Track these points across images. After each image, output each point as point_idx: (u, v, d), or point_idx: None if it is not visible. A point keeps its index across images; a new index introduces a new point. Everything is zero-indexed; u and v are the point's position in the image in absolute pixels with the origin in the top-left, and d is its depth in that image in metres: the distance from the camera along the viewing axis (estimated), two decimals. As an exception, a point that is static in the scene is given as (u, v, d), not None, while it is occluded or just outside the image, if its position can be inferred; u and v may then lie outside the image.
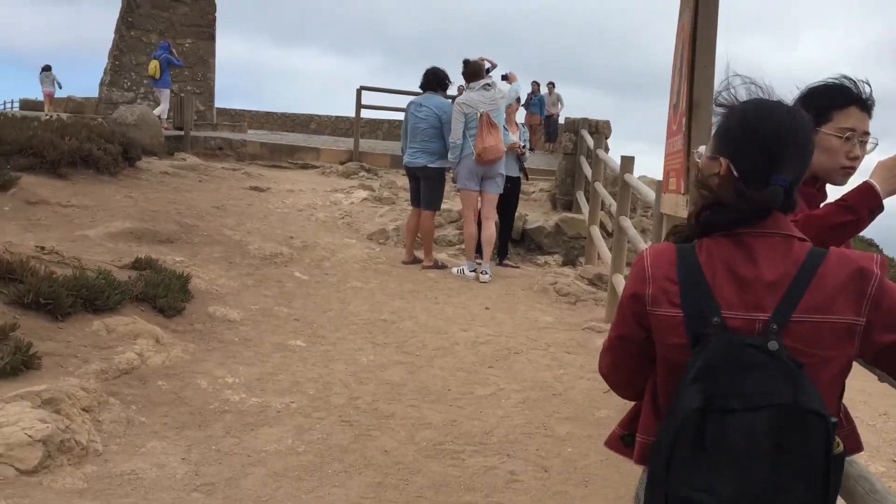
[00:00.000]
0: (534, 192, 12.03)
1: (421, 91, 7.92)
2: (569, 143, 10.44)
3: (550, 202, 11.00)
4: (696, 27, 3.35)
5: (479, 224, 7.84)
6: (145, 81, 18.65)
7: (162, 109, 15.96)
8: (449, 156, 7.53)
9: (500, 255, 8.72)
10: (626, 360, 1.66)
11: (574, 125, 10.42)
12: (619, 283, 6.06)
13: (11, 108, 33.46)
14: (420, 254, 8.10)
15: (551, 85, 20.35)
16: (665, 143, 3.77)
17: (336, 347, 5.62)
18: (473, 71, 7.58)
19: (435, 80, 7.75)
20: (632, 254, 6.36)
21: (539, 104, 19.82)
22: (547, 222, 9.80)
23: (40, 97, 34.10)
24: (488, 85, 7.58)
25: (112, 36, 19.54)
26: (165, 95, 16.25)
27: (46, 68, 23.86)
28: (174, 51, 16.67)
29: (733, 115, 1.56)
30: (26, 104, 32.02)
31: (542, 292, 7.49)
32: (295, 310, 6.39)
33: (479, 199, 7.80)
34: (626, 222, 6.19)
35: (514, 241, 9.73)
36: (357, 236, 9.02)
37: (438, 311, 6.66)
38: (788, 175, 1.48)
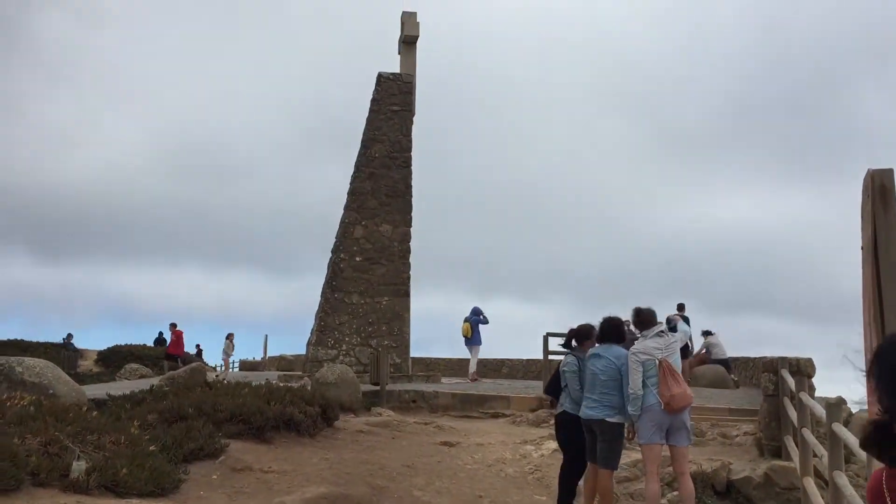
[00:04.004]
0: (737, 435, 11.23)
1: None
2: (769, 384, 9.77)
3: (757, 447, 10.17)
4: (880, 283, 3.17)
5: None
6: (347, 340, 19.99)
7: (474, 363, 19.69)
8: (629, 408, 7.19)
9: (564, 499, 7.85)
10: None
11: (772, 364, 9.81)
12: (844, 549, 5.34)
13: (233, 368, 36.65)
14: None
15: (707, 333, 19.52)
16: (867, 404, 3.44)
17: None
18: (646, 319, 7.46)
19: (611, 331, 7.64)
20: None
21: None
22: (754, 471, 9.01)
23: (257, 357, 37.32)
24: (662, 332, 7.39)
25: (319, 299, 21.34)
26: (476, 350, 19.53)
27: (230, 336, 26.38)
28: (483, 314, 19.63)
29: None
30: (245, 365, 35.07)
31: (756, 557, 6.72)
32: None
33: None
34: (842, 479, 5.54)
35: (718, 494, 8.98)
36: (548, 493, 8.68)
37: (638, 582, 6.11)
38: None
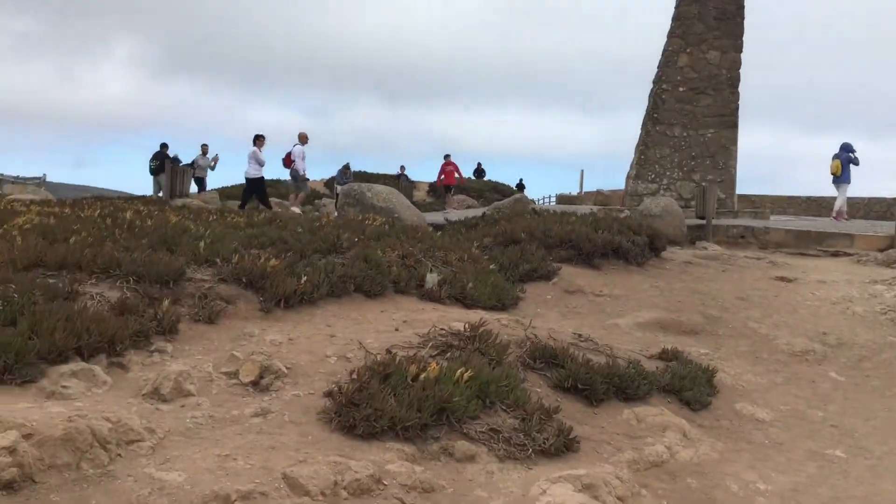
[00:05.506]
0: None
1: None
2: None
3: None
4: None
5: None
6: (668, 174, 19.42)
7: (840, 202, 18.31)
8: None
9: None
10: None
11: None
12: None
13: (549, 202, 37.85)
14: None
15: None
16: None
17: (883, 463, 4.93)
18: None
19: None
20: None
21: None
22: None
23: (573, 192, 38.10)
24: None
25: (639, 132, 20.78)
26: (843, 189, 18.21)
27: None
28: (853, 154, 18.05)
29: None
30: (562, 199, 36.04)
31: None
32: (830, 414, 5.81)
33: None
34: None
35: None
36: (904, 335, 7.92)
37: None
38: None
